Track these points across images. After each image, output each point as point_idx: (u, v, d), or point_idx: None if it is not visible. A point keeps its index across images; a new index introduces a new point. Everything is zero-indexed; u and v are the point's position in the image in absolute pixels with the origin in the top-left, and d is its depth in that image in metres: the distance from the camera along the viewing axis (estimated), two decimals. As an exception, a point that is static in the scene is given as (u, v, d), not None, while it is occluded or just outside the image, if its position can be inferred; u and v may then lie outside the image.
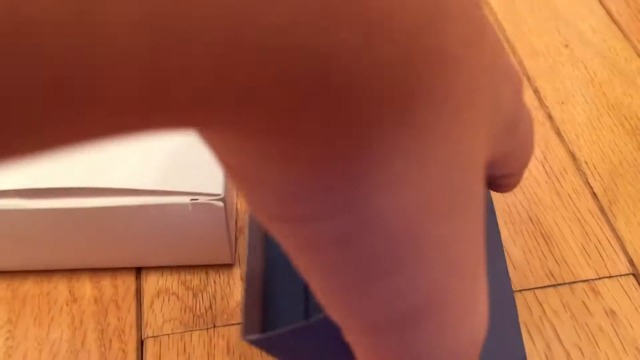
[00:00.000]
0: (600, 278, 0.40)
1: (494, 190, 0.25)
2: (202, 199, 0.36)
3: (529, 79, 0.52)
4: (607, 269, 0.40)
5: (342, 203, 0.13)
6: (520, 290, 0.39)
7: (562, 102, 0.50)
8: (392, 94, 0.12)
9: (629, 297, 0.39)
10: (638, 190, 0.44)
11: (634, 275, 0.40)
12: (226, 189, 0.37)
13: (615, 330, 0.37)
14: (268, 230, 0.15)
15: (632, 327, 0.38)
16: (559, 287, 0.39)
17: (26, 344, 0.36)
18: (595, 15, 0.57)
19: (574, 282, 0.40)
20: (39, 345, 0.36)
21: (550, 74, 0.52)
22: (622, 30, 0.55)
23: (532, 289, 0.39)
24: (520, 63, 0.52)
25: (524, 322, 0.38)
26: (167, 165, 0.36)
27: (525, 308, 0.38)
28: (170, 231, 0.37)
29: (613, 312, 0.38)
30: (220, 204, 0.36)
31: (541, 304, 0.39)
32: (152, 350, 0.36)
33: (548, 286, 0.39)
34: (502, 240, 0.40)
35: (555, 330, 0.37)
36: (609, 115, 0.49)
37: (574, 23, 0.56)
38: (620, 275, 0.40)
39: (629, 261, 0.41)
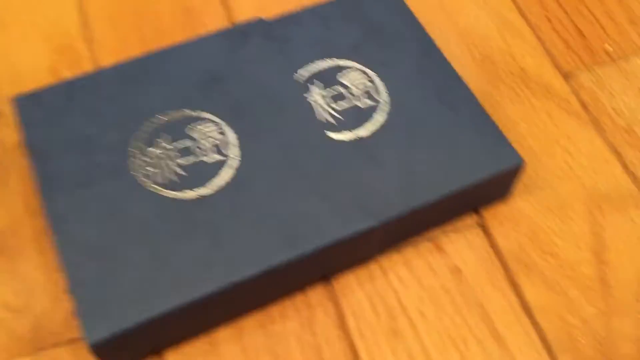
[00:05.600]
0: (445, 233, 0.38)
1: None
2: None
3: (375, 12, 0.48)
4: (452, 222, 0.39)
5: None
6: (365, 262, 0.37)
7: (410, 35, 0.46)
8: None
9: (474, 250, 0.38)
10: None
11: (479, 225, 0.39)
12: None
13: (459, 289, 0.36)
14: None
15: (477, 283, 0.36)
16: (402, 249, 0.38)
17: None
18: None
19: (418, 242, 0.38)
20: None
21: (398, 3, 0.48)
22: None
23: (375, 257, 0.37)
24: None
25: (368, 295, 0.36)
26: None
27: (369, 279, 0.37)
28: None
29: (458, 270, 0.37)
30: None
31: (385, 272, 0.37)
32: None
33: (391, 250, 0.38)
34: None
35: (399, 298, 0.36)
36: (460, 45, 0.46)
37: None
38: (466, 228, 0.38)
39: (475, 211, 0.39)
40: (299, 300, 0.36)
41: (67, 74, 0.44)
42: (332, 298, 0.36)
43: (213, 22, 0.47)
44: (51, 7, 0.47)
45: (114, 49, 0.45)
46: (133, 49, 0.45)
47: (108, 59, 0.45)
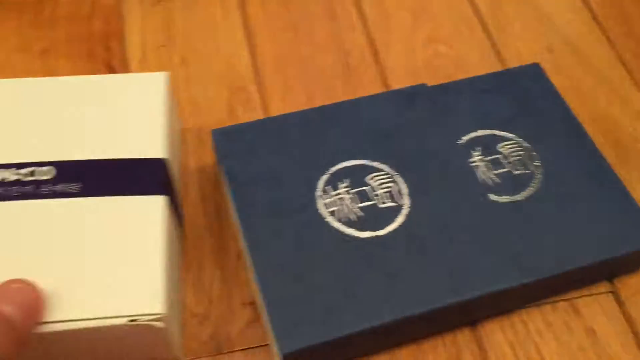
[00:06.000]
0: (580, 296, 0.42)
1: None
2: (141, 320, 0.34)
3: (515, 88, 0.53)
4: (587, 286, 0.43)
5: None
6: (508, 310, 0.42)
7: (547, 113, 0.51)
8: None
9: (607, 315, 0.42)
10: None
11: (612, 292, 0.43)
12: (168, 306, 0.35)
13: (594, 350, 0.40)
14: None
15: (610, 346, 0.40)
16: (542, 305, 0.42)
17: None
18: (580, 17, 0.57)
19: (556, 301, 0.42)
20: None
21: (536, 82, 0.53)
22: (606, 35, 0.56)
23: (517, 309, 0.42)
24: (507, 70, 0.53)
25: (510, 343, 0.40)
26: (104, 284, 0.35)
27: (510, 328, 0.41)
28: (109, 353, 0.36)
29: (593, 331, 0.41)
30: (161, 324, 0.34)
31: (525, 324, 0.41)
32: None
33: (531, 305, 0.42)
34: None
35: (538, 349, 0.40)
36: (592, 128, 0.50)
37: (560, 27, 0.57)
38: (600, 294, 0.42)
39: (608, 279, 0.43)
40: (448, 339, 0.40)
41: (241, 112, 0.50)
42: (477, 341, 0.40)
43: (370, 79, 0.52)
44: (226, 49, 0.53)
45: (280, 94, 0.51)
46: (297, 97, 0.51)
47: (276, 103, 0.51)
